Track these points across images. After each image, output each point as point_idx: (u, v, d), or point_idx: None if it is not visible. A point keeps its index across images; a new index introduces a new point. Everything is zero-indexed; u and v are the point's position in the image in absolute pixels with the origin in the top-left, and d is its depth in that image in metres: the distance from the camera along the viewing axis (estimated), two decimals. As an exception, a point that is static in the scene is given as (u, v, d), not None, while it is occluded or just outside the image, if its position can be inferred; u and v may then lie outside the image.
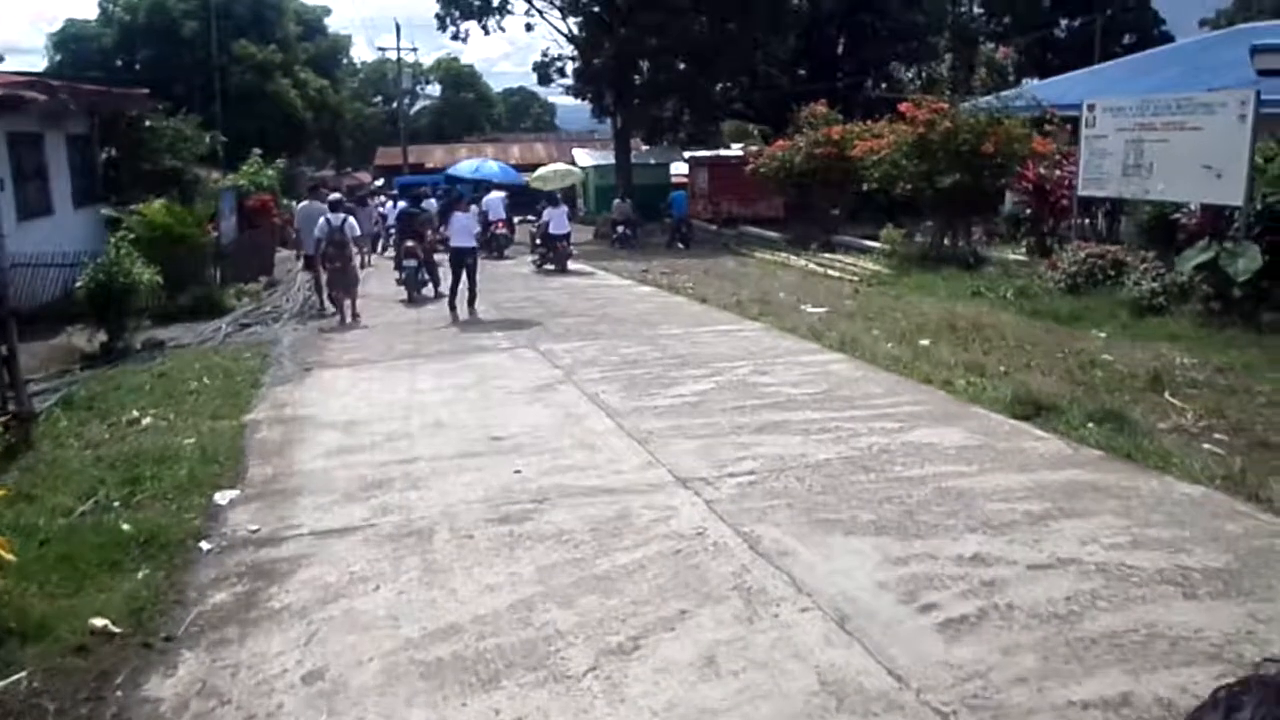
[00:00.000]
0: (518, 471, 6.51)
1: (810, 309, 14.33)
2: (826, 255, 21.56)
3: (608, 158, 42.05)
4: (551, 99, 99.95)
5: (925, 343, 11.34)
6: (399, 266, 16.50)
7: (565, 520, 5.55)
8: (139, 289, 11.33)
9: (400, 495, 6.15)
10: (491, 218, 23.62)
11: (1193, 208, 13.33)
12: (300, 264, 22.49)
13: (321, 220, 14.66)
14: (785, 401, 8.18)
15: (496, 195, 26.07)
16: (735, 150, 50.28)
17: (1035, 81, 19.75)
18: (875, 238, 24.52)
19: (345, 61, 62.57)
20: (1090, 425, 7.14)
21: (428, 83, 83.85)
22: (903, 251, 19.79)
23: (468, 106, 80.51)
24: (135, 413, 8.52)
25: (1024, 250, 17.79)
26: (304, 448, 7.39)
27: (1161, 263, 13.16)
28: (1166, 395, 8.42)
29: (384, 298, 16.86)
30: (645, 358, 10.31)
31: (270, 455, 7.23)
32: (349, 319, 13.90)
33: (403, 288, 16.61)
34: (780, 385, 8.78)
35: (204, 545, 5.44)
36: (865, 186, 23.68)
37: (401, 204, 26.59)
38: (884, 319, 13.14)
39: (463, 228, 14.66)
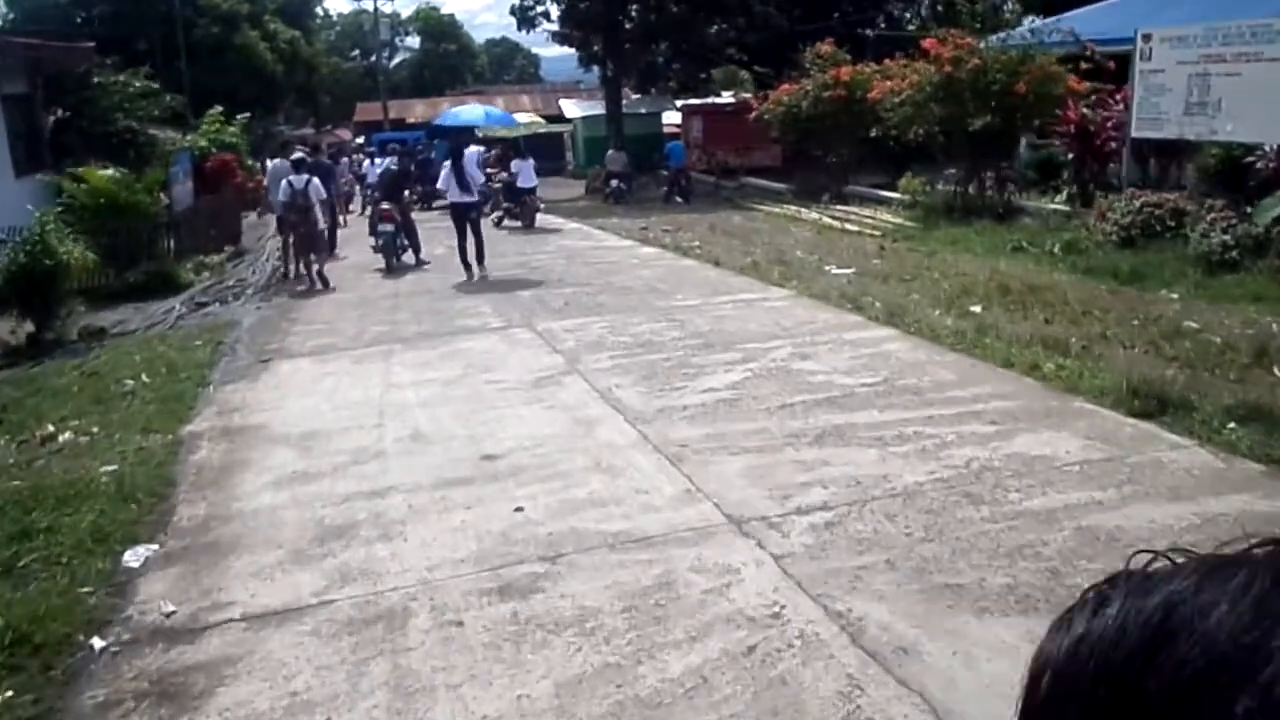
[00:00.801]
0: (519, 510, 5.03)
1: (836, 270, 12.82)
2: (840, 208, 19.99)
3: (596, 108, 40.12)
4: (536, 50, 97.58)
5: (977, 309, 9.90)
6: (374, 232, 14.90)
7: (587, 592, 4.09)
8: (66, 269, 9.75)
9: (365, 550, 4.67)
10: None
11: (1269, 149, 11.81)
12: (272, 229, 21.05)
13: (284, 182, 13.74)
14: (842, 397, 6.69)
15: (473, 150, 24.45)
16: (726, 98, 48.60)
17: (1064, 15, 18.04)
18: (887, 187, 22.97)
19: (319, 13, 60.17)
20: (1233, 426, 5.69)
21: (407, 34, 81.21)
22: (925, 202, 18.22)
23: (449, 58, 77.95)
24: (51, 426, 7.01)
25: (1063, 199, 16.25)
26: (249, 473, 5.90)
27: (1232, 212, 11.66)
28: (1277, 371, 7.01)
29: (359, 266, 15.26)
30: (661, 337, 8.80)
31: (206, 486, 5.74)
32: (316, 285, 13.08)
33: (379, 255, 14.95)
34: (830, 373, 7.29)
35: (97, 643, 3.97)
36: (874, 132, 22.15)
37: (386, 161, 25.03)
38: (922, 281, 11.65)
39: (452, 180, 13.53)
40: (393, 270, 14.62)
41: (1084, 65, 17.07)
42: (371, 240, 15.18)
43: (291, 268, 14.22)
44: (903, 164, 24.76)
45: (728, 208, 22.72)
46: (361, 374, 8.17)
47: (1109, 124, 14.90)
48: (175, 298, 12.38)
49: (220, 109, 18.89)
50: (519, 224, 19.18)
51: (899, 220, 17.69)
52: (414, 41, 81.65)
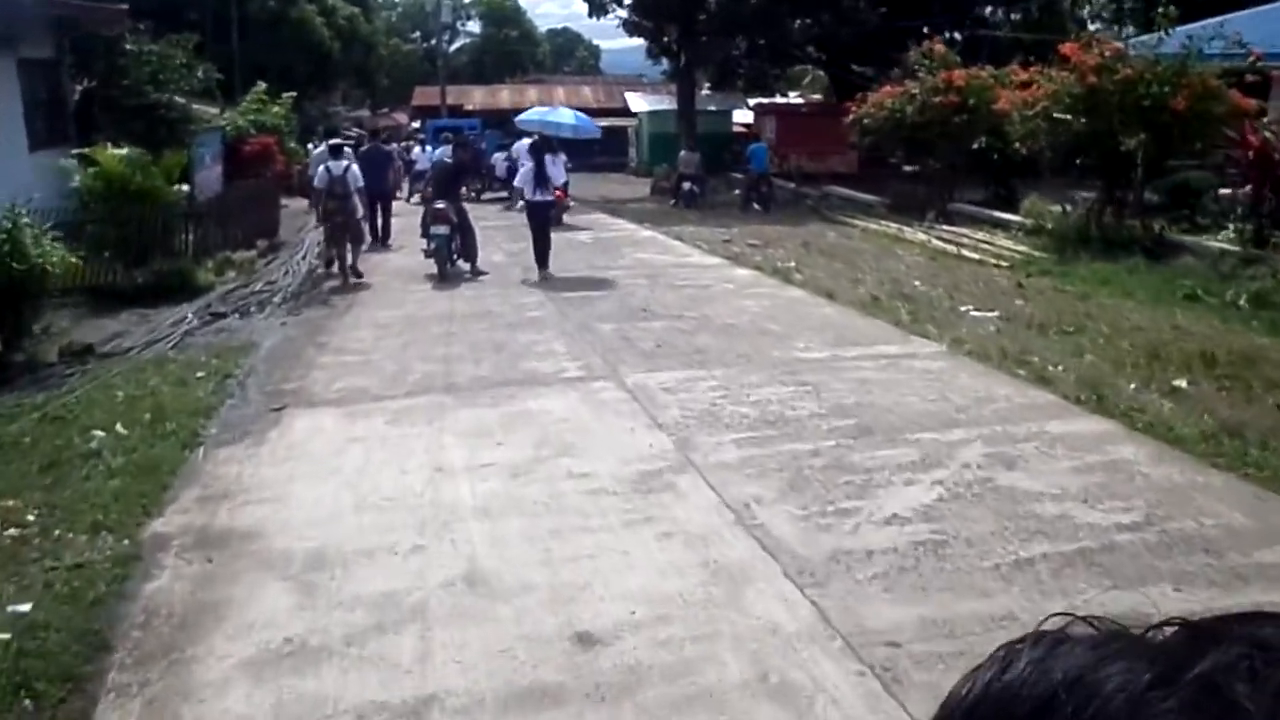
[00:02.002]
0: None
1: (975, 312, 10.61)
2: (947, 228, 17.68)
3: (662, 102, 38.00)
4: (597, 41, 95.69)
5: (1182, 383, 7.68)
6: (426, 233, 12.87)
7: None
8: (43, 275, 7.82)
9: None
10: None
11: None
12: (314, 219, 19.25)
13: (320, 169, 12.86)
14: (1100, 550, 4.49)
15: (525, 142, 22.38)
16: (793, 98, 46.17)
17: (1224, 18, 15.46)
18: (992, 204, 20.61)
19: (381, -9, 58.66)
20: None
21: (468, 18, 79.66)
22: (1055, 229, 15.87)
23: (510, 45, 76.24)
24: (-30, 511, 5.03)
25: (1230, 236, 13.84)
26: (219, 637, 3.85)
27: None
28: None
29: (406, 272, 13.26)
30: (795, 411, 6.64)
31: (150, 661, 3.70)
32: (350, 278, 12.44)
33: (431, 261, 12.92)
34: (1059, 497, 5.10)
35: None
36: (979, 144, 19.83)
37: (439, 150, 23.02)
38: (1090, 336, 9.41)
39: (532, 178, 12.72)
40: (445, 279, 12.62)
41: (1248, 78, 14.68)
42: (423, 243, 13.16)
43: (334, 258, 13.12)
44: (1004, 180, 22.46)
45: (815, 220, 20.47)
46: (400, 443, 6.11)
47: (1301, 151, 12.49)
48: (189, 305, 10.45)
49: (264, 86, 17.03)
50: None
51: (1024, 249, 15.37)
52: (475, 26, 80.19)
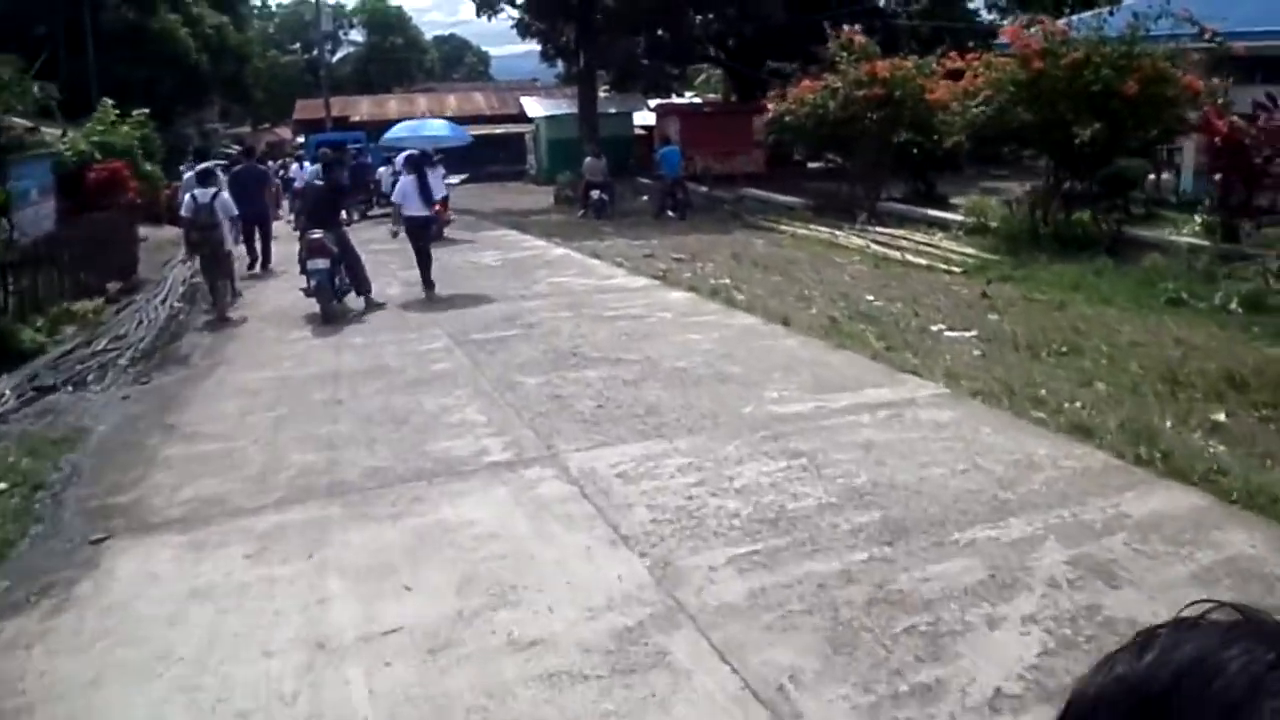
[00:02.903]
0: None
1: (949, 332, 9.27)
2: (881, 231, 16.43)
3: (561, 107, 36.29)
4: (486, 47, 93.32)
5: (1220, 417, 6.45)
6: (303, 270, 10.99)
7: None
8: None
9: None
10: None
11: None
12: (181, 253, 17.11)
13: (188, 197, 11.76)
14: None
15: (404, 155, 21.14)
16: (689, 98, 44.95)
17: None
18: (914, 201, 19.52)
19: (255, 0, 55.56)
20: None
21: (351, 27, 76.64)
22: (1003, 228, 14.73)
23: (396, 53, 73.56)
24: None
25: (1196, 230, 12.84)
26: None
27: None
28: None
29: (286, 313, 11.32)
30: (799, 502, 5.06)
31: None
32: (223, 315, 11.36)
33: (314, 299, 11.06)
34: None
35: None
36: (896, 139, 18.72)
37: (309, 168, 21.03)
38: (1090, 358, 8.17)
39: (413, 191, 11.99)
40: (330, 321, 10.75)
41: (1194, 58, 13.73)
42: (303, 279, 11.25)
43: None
44: (923, 175, 21.46)
45: (737, 226, 19.06)
46: (264, 597, 4.33)
47: (1270, 138, 11.49)
48: (6, 378, 8.37)
49: (111, 103, 14.78)
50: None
51: (970, 250, 14.18)
52: (358, 35, 77.34)
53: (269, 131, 58.37)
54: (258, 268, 15.21)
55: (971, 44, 23.58)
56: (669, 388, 7.29)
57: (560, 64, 38.08)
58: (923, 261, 13.72)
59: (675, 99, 41.18)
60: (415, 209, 11.93)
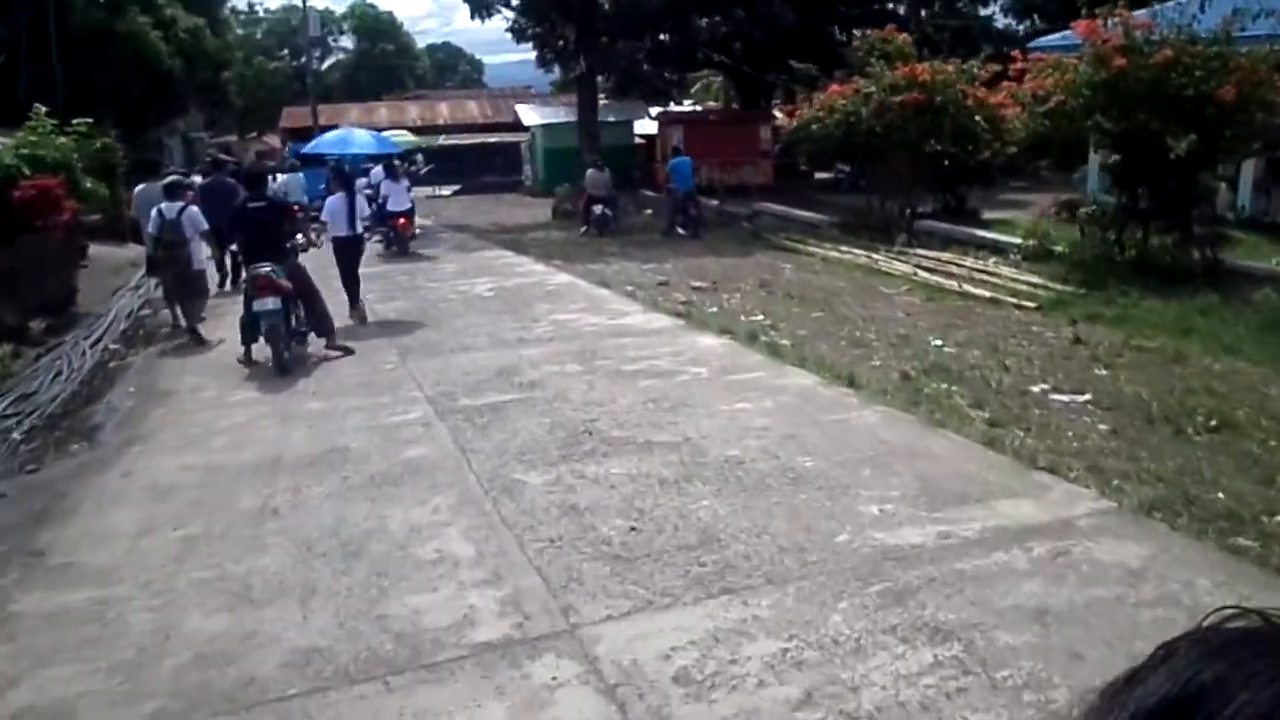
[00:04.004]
0: None
1: (1056, 395, 7.38)
2: (925, 254, 14.50)
3: (558, 114, 34.38)
4: (480, 55, 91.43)
5: None
6: (249, 311, 9.03)
7: None
8: None
9: None
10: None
11: None
12: (134, 277, 15.22)
13: (154, 212, 10.78)
14: None
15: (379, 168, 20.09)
16: (688, 106, 43.07)
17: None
18: (944, 217, 17.62)
19: (241, 6, 53.64)
20: None
21: (340, 33, 74.74)
22: (1074, 254, 12.80)
23: (388, 60, 71.69)
24: None
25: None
26: None
27: None
28: None
29: (231, 362, 9.33)
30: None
31: None
32: (190, 339, 10.58)
33: (255, 343, 9.16)
34: None
35: None
36: (933, 148, 16.85)
37: (281, 180, 19.11)
38: (1248, 433, 6.28)
39: (341, 209, 11.13)
40: (286, 372, 8.79)
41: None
42: (243, 320, 9.28)
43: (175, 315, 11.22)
44: (953, 188, 19.62)
45: (758, 247, 17.11)
46: None
47: None
48: None
49: (44, 110, 12.83)
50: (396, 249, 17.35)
51: (1036, 279, 12.25)
52: (348, 41, 75.53)
53: (257, 140, 56.46)
54: (228, 285, 13.35)
55: (988, 49, 21.80)
56: (724, 494, 5.33)
57: (557, 70, 36.16)
58: (984, 293, 11.80)
59: (674, 107, 39.39)
60: (342, 229, 11.07)
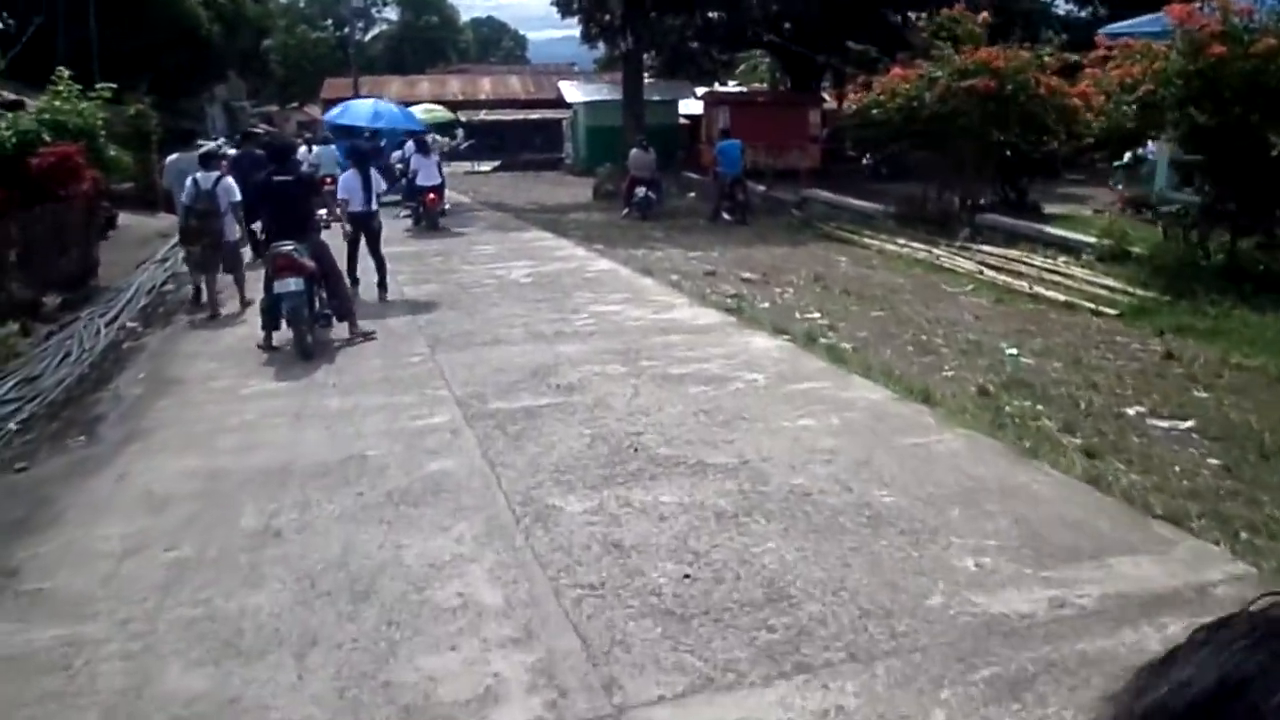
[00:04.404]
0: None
1: (1153, 420, 6.58)
2: (991, 251, 13.62)
3: (601, 92, 33.65)
4: (524, 31, 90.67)
5: None
6: (269, 293, 8.50)
7: None
8: None
9: None
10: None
11: None
12: (159, 250, 14.76)
13: (188, 182, 10.51)
14: None
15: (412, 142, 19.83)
16: (731, 87, 42.00)
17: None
18: (1002, 210, 16.67)
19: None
20: None
21: (384, 4, 74.31)
22: (1154, 256, 11.89)
23: (431, 32, 71.15)
24: None
25: None
26: None
27: None
28: None
29: (250, 346, 8.73)
30: None
31: None
32: (221, 312, 10.43)
33: (277, 329, 8.65)
34: None
35: None
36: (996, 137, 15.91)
37: (316, 150, 18.60)
38: None
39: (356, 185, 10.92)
40: (308, 358, 8.22)
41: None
42: (263, 303, 8.76)
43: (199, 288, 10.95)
44: (1013, 180, 18.66)
45: (810, 237, 16.30)
46: None
47: None
48: None
49: (68, 73, 12.29)
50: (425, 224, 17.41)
51: (1114, 283, 11.36)
52: (392, 13, 75.08)
53: (299, 111, 56.18)
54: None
55: (1048, 34, 20.78)
56: (792, 534, 4.61)
57: (602, 46, 35.36)
58: (1057, 296, 10.93)
59: (719, 87, 38.38)
60: (357, 204, 10.75)
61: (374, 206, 11.17)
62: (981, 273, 12.38)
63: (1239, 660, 0.47)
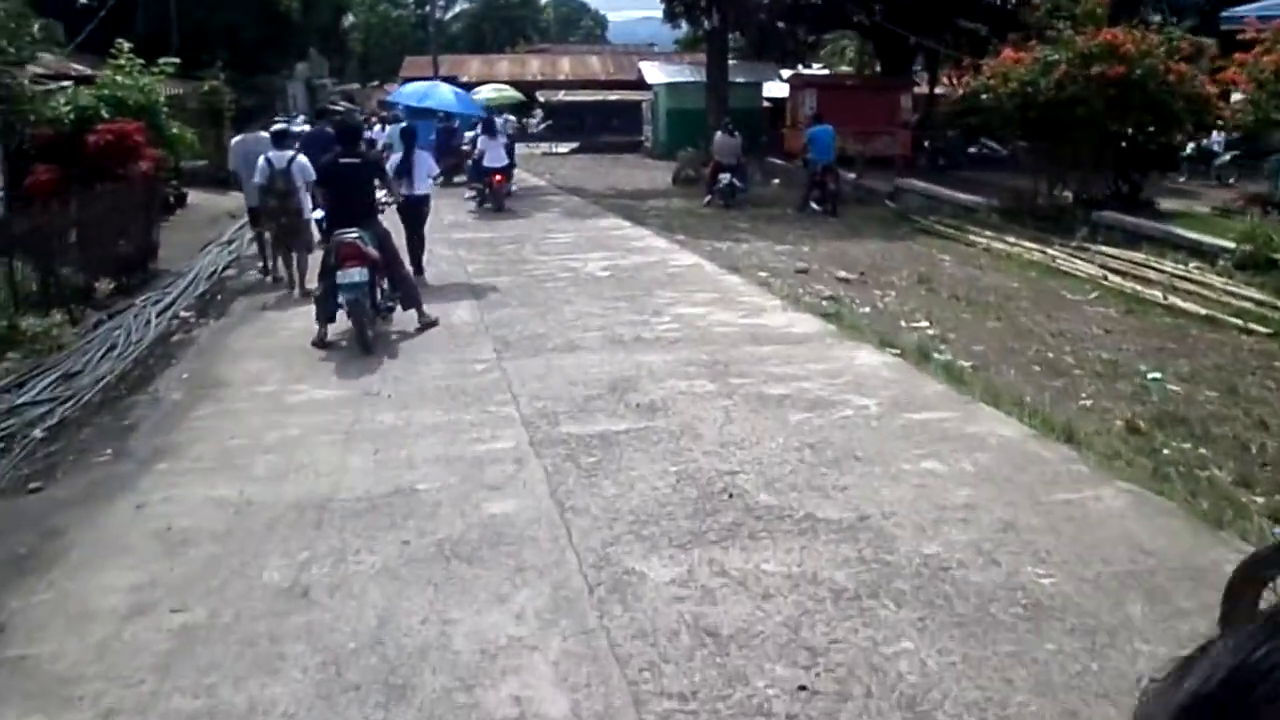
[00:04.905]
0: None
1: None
2: (1112, 253, 12.38)
3: (683, 73, 32.62)
4: (604, 11, 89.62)
5: None
6: (329, 282, 7.89)
7: None
8: None
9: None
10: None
11: None
12: (228, 230, 14.29)
13: (261, 161, 10.32)
14: None
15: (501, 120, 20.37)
16: (816, 70, 40.52)
17: None
18: (1114, 205, 15.30)
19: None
20: None
21: (466, -18, 73.91)
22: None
23: (511, 11, 70.68)
24: None
25: None
26: None
27: None
28: None
29: (304, 343, 8.06)
30: None
31: None
32: (295, 291, 10.24)
33: (332, 322, 8.05)
34: None
35: None
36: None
37: (390, 130, 18.10)
38: None
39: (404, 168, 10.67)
40: (368, 352, 7.55)
41: None
42: (315, 290, 8.21)
43: (270, 265, 11.13)
44: (1126, 174, 17.23)
45: (908, 231, 15.18)
46: None
47: None
48: None
49: (129, 46, 11.74)
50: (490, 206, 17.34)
51: (1261, 295, 10.11)
52: (474, -9, 74.70)
53: (380, 89, 56.18)
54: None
55: (1157, 18, 19.26)
56: (932, 629, 3.67)
57: (684, 25, 34.28)
58: (1197, 309, 9.73)
59: (802, 70, 37.01)
60: (406, 187, 10.43)
61: (423, 189, 10.83)
62: (1105, 278, 11.19)
63: (1271, 649, 0.46)
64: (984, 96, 15.04)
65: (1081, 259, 12.11)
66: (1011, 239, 13.55)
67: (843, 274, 11.26)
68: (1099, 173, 15.22)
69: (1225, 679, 0.47)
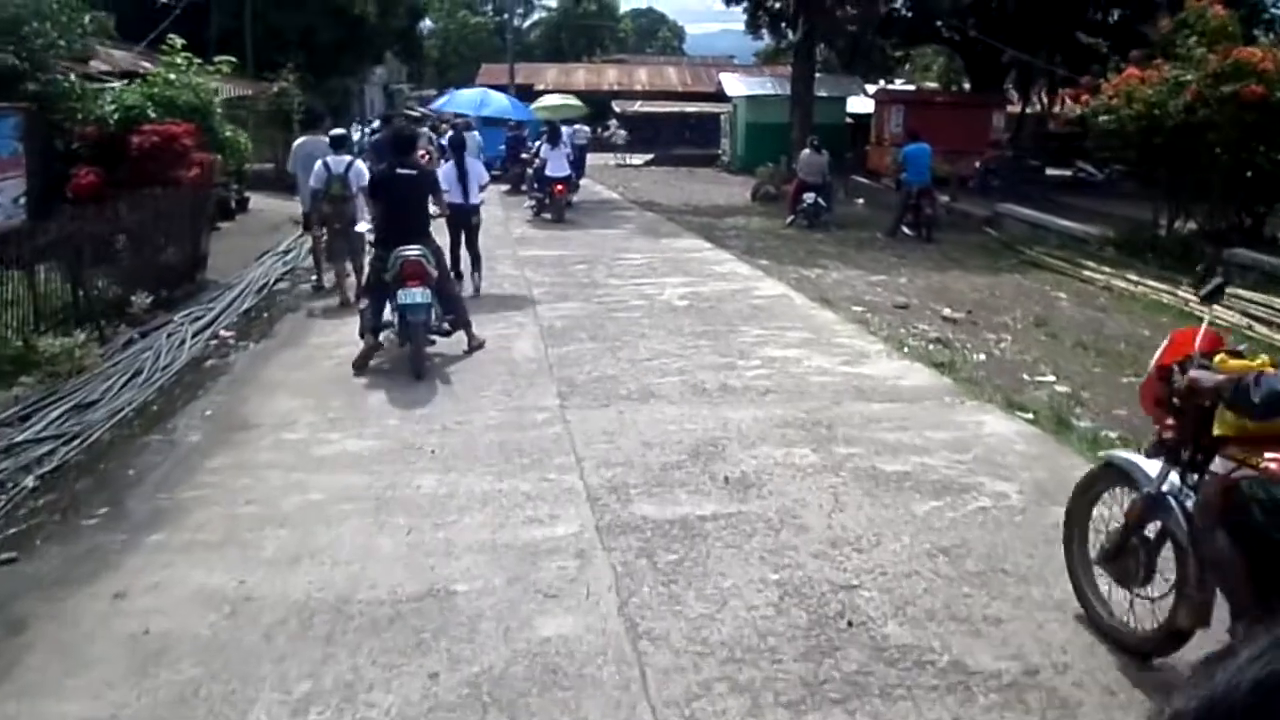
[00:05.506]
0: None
1: None
2: (1251, 298, 11.00)
3: (764, 86, 31.57)
4: (682, 22, 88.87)
5: None
6: (372, 290, 7.16)
7: None
8: None
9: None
10: None
11: None
12: (287, 239, 13.65)
13: (318, 165, 9.97)
14: None
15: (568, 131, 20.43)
16: (899, 85, 39.12)
17: None
18: (1243, 242, 13.82)
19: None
20: None
21: (545, -9, 73.70)
22: None
23: (589, 20, 70.21)
24: None
25: None
26: None
27: None
28: None
29: (331, 379, 7.17)
30: None
31: None
32: (351, 300, 9.56)
33: (382, 344, 7.28)
34: None
35: None
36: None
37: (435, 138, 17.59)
38: None
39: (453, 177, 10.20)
40: (419, 378, 6.68)
41: None
42: (362, 308, 7.44)
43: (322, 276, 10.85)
44: (1249, 206, 15.67)
45: (1013, 263, 13.89)
46: None
47: None
48: None
49: (181, 42, 11.07)
50: (549, 216, 16.97)
51: None
52: (552, 0, 74.46)
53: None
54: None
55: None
56: None
57: (767, 36, 33.27)
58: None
59: (886, 85, 35.71)
60: (455, 197, 9.95)
61: (474, 200, 10.37)
62: (1251, 328, 9.84)
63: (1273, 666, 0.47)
64: (1103, 118, 13.70)
65: (1220, 306, 10.72)
66: (1134, 276, 12.21)
67: (948, 312, 10.08)
68: (1228, 204, 13.76)
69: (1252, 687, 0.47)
